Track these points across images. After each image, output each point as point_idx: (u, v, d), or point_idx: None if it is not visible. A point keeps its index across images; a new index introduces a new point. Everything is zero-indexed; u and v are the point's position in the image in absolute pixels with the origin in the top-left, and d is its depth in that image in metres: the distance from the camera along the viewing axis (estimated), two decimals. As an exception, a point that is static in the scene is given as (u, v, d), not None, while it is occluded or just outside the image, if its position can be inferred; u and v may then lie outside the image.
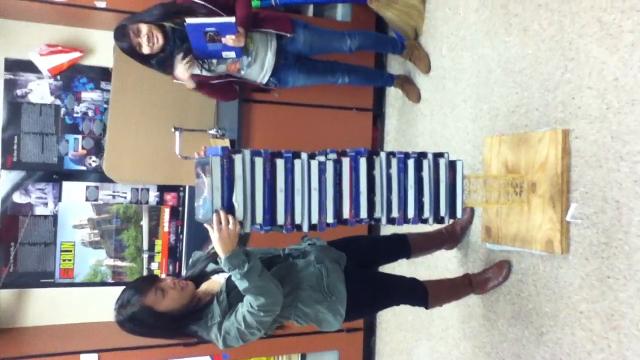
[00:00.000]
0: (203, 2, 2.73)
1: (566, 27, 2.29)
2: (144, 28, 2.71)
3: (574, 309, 2.19)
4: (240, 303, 2.02)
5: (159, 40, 2.74)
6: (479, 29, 2.87)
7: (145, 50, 2.75)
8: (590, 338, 2.11)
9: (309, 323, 2.25)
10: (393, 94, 3.74)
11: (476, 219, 2.81)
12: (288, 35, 2.94)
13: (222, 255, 1.88)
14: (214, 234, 1.86)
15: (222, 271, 2.15)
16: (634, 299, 1.95)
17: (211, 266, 2.23)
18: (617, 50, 2.05)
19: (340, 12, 3.80)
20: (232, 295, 2.06)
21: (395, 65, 3.78)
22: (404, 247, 2.69)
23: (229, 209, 1.86)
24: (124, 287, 3.77)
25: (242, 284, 1.93)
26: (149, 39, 2.72)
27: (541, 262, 2.38)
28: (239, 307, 2.02)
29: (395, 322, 3.64)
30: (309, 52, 3.10)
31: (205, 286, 2.18)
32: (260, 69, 2.97)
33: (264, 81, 3.05)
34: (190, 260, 2.38)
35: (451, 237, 2.87)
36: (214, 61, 2.89)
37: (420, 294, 2.52)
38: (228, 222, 1.85)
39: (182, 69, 2.81)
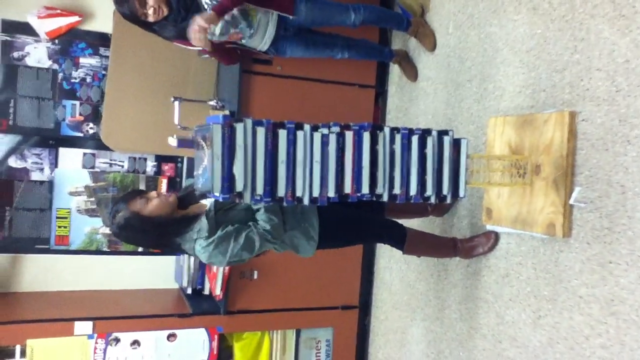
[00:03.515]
0: None
1: (577, 6, 2.24)
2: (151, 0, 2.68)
3: (573, 293, 2.18)
4: (232, 225, 2.22)
5: (164, 11, 2.74)
6: (486, 7, 2.81)
7: (151, 19, 2.75)
8: (588, 323, 2.10)
9: (286, 249, 2.42)
10: (396, 72, 3.69)
11: (477, 200, 2.79)
12: (290, 17, 2.92)
13: None
14: None
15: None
16: (634, 285, 1.93)
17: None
18: (629, 31, 2.01)
19: (346, -15, 3.73)
20: (219, 215, 2.28)
21: (396, 41, 3.73)
22: (378, 204, 2.78)
23: (229, 178, 1.83)
24: (119, 256, 3.81)
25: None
26: (154, 11, 2.71)
27: (542, 245, 2.36)
28: (240, 229, 2.21)
29: (391, 301, 3.63)
30: (311, 25, 3.08)
31: (193, 208, 2.35)
32: (261, 39, 2.97)
33: (264, 49, 3.06)
34: (184, 185, 2.48)
35: (439, 206, 2.94)
36: (217, 31, 2.86)
37: (399, 234, 2.64)
38: None
39: (200, 37, 2.74)
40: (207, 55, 3.15)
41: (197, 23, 2.62)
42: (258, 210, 2.28)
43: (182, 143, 2.53)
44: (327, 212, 2.44)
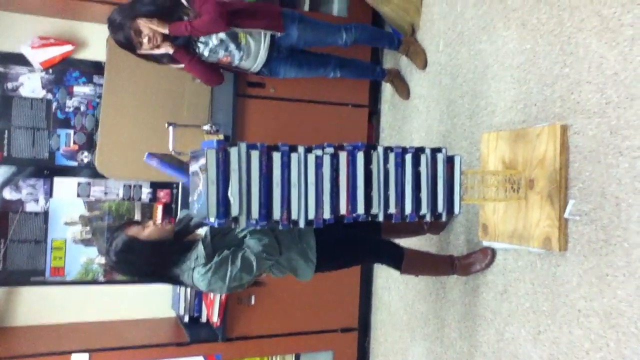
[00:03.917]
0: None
1: (565, 21, 2.26)
2: (144, 28, 2.70)
3: (571, 307, 2.16)
4: (229, 249, 2.22)
5: (158, 40, 2.77)
6: (476, 24, 2.84)
7: (146, 48, 2.76)
8: (588, 337, 2.08)
9: (285, 273, 2.43)
10: (389, 90, 3.71)
11: (473, 216, 2.79)
12: (279, 34, 2.94)
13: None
14: None
15: (205, 225, 2.34)
16: (632, 297, 1.92)
17: (195, 220, 2.34)
18: (616, 44, 2.03)
19: (337, 6, 3.78)
20: (216, 240, 2.28)
21: (388, 59, 3.76)
22: (375, 224, 2.76)
23: (224, 203, 1.83)
24: (115, 285, 3.77)
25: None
26: (149, 40, 2.73)
27: (539, 259, 2.35)
28: (236, 251, 2.20)
29: (390, 321, 3.61)
30: (303, 46, 3.10)
31: (189, 237, 2.36)
32: (253, 61, 3.00)
33: (256, 71, 3.08)
34: (178, 218, 2.52)
35: (435, 223, 2.95)
36: (205, 53, 2.89)
37: (396, 254, 2.64)
38: None
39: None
40: (198, 80, 3.17)
41: (145, 33, 2.71)
42: (245, 236, 2.27)
43: (151, 157, 2.53)
44: (323, 234, 2.43)
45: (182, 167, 2.48)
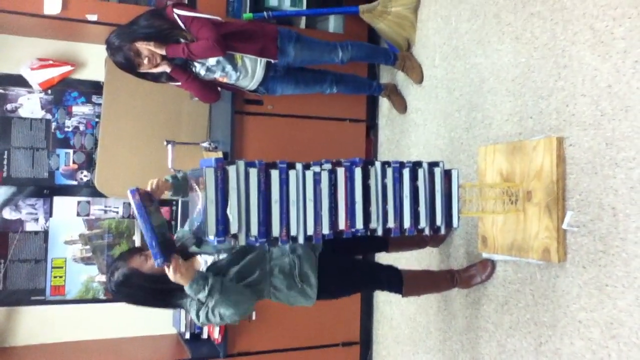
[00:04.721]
0: (184, 23, 2.75)
1: (558, 34, 2.29)
2: (144, 50, 2.72)
3: (572, 318, 2.17)
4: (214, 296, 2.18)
5: (158, 60, 2.79)
6: (471, 39, 2.87)
7: (145, 67, 2.79)
8: (589, 347, 2.09)
9: (281, 302, 2.45)
10: (386, 105, 3.73)
11: (472, 228, 2.80)
12: (272, 61, 2.96)
13: (184, 285, 2.14)
14: (171, 274, 2.10)
15: (204, 253, 2.35)
16: (632, 307, 1.93)
17: (193, 248, 2.35)
18: (609, 57, 2.05)
19: (333, 24, 3.80)
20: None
21: (384, 74, 3.78)
22: (382, 239, 2.78)
23: (223, 221, 1.84)
24: (116, 303, 3.76)
25: (211, 301, 2.15)
26: (149, 60, 2.75)
27: (538, 271, 2.36)
28: (214, 307, 2.18)
29: (392, 335, 3.60)
30: (300, 65, 3.12)
31: (188, 262, 2.30)
32: (250, 80, 3.01)
33: (253, 89, 3.10)
34: (175, 237, 2.46)
35: (434, 236, 2.94)
36: (202, 72, 2.91)
37: (395, 280, 2.63)
38: (179, 263, 2.09)
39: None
40: (197, 98, 3.19)
41: (144, 55, 2.73)
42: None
43: (134, 194, 2.09)
44: (324, 267, 2.44)
45: (154, 226, 2.07)
